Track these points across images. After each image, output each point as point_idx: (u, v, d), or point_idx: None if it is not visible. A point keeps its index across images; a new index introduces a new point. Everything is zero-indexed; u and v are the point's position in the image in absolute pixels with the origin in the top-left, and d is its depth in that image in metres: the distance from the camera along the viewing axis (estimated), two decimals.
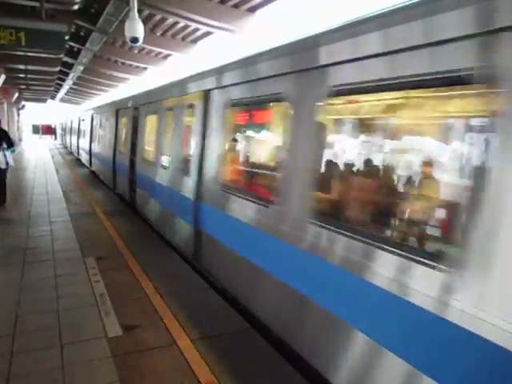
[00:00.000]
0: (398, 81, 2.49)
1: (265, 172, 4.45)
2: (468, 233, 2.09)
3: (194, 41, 15.79)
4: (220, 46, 14.53)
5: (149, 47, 16.73)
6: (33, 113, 58.58)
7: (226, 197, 4.58)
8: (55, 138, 57.58)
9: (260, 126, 4.81)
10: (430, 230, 2.65)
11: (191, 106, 5.84)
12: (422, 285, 2.25)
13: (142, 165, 8.38)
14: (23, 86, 28.43)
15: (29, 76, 22.21)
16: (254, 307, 4.01)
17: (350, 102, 3.26)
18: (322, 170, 3.37)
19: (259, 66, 4.12)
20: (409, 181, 3.02)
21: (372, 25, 2.72)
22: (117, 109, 11.40)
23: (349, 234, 2.77)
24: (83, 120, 19.71)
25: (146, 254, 5.97)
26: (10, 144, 9.12)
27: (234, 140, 5.01)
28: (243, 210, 4.20)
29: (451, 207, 2.51)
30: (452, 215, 2.46)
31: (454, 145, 2.75)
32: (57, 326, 3.75)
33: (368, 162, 3.30)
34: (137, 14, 8.67)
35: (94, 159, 15.37)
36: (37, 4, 10.29)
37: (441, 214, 2.66)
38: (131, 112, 9.54)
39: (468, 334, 2.03)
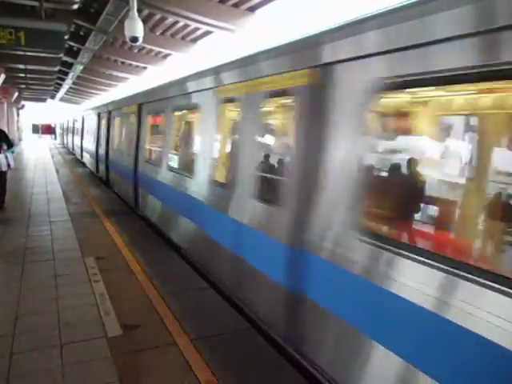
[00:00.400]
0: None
1: (157, 149, 7.62)
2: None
3: (194, 40, 15.78)
4: (220, 45, 14.53)
5: (148, 47, 16.72)
6: (32, 112, 58.59)
7: (146, 164, 8.05)
8: (55, 138, 57.49)
9: (158, 125, 7.94)
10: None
11: (133, 112, 9.12)
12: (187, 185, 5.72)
13: (111, 153, 11.83)
14: (23, 86, 28.41)
15: (28, 75, 22.19)
16: (163, 227, 7.01)
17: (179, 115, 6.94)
18: (171, 144, 6.93)
19: (154, 94, 7.89)
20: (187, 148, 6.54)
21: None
22: (98, 112, 14.57)
23: (176, 172, 6.34)
24: (76, 121, 23.27)
25: (146, 253, 5.97)
26: (10, 145, 8.88)
27: (148, 133, 8.25)
28: (150, 170, 7.62)
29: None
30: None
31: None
32: (56, 325, 3.75)
33: (185, 141, 6.91)
34: (136, 14, 8.67)
35: (84, 153, 18.83)
36: (36, 3, 10.28)
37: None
38: (107, 115, 12.67)
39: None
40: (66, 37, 10.79)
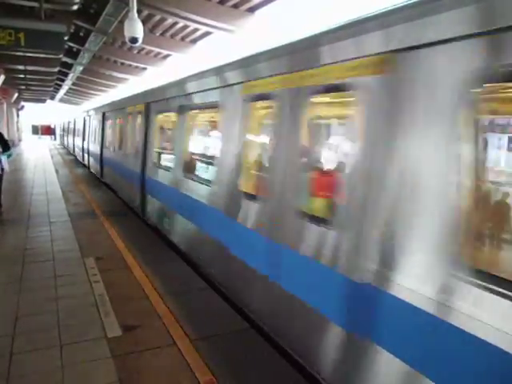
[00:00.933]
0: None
1: (110, 140, 12.06)
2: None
3: (194, 41, 15.80)
4: (219, 46, 14.54)
5: (148, 47, 16.75)
6: (32, 113, 58.56)
7: (105, 149, 12.65)
8: (54, 139, 57.42)
9: (111, 126, 12.22)
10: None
11: (100, 118, 13.73)
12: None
13: (90, 145, 16.56)
14: (22, 87, 28.45)
15: (28, 76, 22.22)
16: (112, 185, 11.78)
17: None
18: (116, 136, 11.52)
19: (109, 107, 12.97)
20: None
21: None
22: (83, 116, 19.55)
23: (114, 150, 11.41)
24: (70, 122, 28.85)
25: (146, 254, 5.97)
26: (7, 147, 8.24)
27: (108, 130, 12.72)
28: (108, 153, 12.28)
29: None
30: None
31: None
32: (56, 326, 3.75)
33: (119, 135, 11.09)
34: (136, 14, 8.68)
35: (75, 148, 24.26)
36: (36, 4, 10.30)
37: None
38: (89, 118, 17.36)
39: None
40: (66, 38, 10.80)
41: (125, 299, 4.38)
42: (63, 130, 37.76)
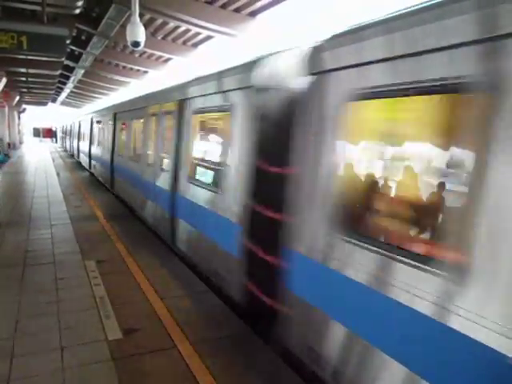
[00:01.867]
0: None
1: (87, 141, 18.37)
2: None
3: (195, 45, 15.84)
4: (221, 49, 14.59)
5: (150, 51, 16.80)
6: (33, 116, 58.70)
7: (80, 145, 21.68)
8: (55, 141, 57.48)
9: (88, 130, 18.44)
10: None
11: (78, 125, 23.13)
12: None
13: (79, 143, 21.83)
14: (24, 90, 28.49)
15: (30, 79, 22.27)
16: (95, 171, 16.61)
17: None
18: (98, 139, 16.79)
19: (81, 117, 23.02)
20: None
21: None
22: (70, 123, 25.41)
23: (96, 146, 16.09)
24: (64, 126, 36.36)
25: (147, 257, 5.98)
26: None
27: (79, 133, 22.22)
28: (82, 146, 20.96)
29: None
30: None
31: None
32: (57, 328, 3.76)
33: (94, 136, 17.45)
34: (138, 18, 8.69)
35: (69, 146, 30.47)
36: (38, 8, 10.34)
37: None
38: (73, 125, 23.19)
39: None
40: (68, 41, 10.84)
41: (125, 302, 4.39)
42: (62, 132, 42.81)
